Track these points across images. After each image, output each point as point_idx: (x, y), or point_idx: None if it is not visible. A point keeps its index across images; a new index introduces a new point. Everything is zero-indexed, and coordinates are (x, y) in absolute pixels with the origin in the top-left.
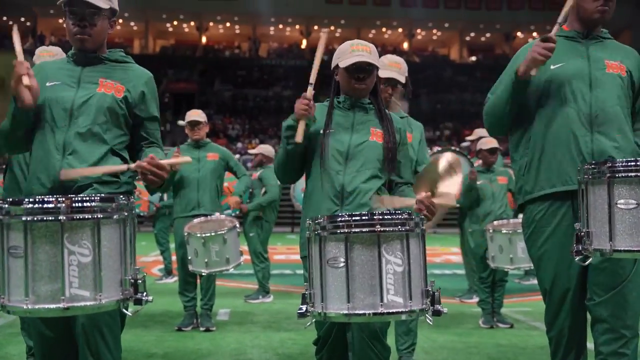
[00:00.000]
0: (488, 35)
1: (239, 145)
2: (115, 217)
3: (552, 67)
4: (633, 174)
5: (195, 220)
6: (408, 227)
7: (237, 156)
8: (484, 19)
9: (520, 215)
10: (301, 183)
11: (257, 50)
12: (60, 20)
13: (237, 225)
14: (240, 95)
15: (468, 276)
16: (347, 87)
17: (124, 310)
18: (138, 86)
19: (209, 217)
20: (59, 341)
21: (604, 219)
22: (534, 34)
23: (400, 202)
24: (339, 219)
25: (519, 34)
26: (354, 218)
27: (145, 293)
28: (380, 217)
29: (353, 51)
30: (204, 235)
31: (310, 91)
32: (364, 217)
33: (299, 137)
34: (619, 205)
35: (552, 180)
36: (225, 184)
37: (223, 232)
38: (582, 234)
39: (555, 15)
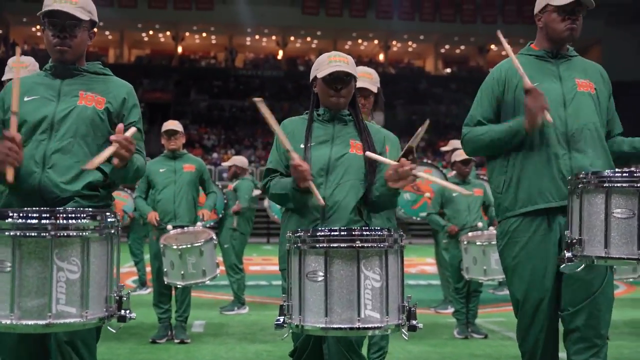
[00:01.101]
0: (463, 47)
1: (215, 155)
2: (103, 233)
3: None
4: (632, 185)
5: (172, 232)
6: (387, 243)
7: (212, 167)
8: (458, 31)
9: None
10: None
11: (234, 61)
12: (34, 29)
13: (214, 237)
14: (216, 106)
15: (443, 287)
16: (325, 99)
17: (109, 328)
18: (119, 97)
19: (185, 228)
20: (32, 355)
21: (599, 227)
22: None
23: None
24: (319, 233)
25: (492, 47)
26: (333, 233)
27: (128, 310)
28: (360, 233)
29: (330, 62)
30: (180, 247)
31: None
32: (343, 233)
33: (320, 200)
34: (615, 214)
35: (533, 197)
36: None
37: (199, 244)
38: (574, 241)
39: (526, 29)
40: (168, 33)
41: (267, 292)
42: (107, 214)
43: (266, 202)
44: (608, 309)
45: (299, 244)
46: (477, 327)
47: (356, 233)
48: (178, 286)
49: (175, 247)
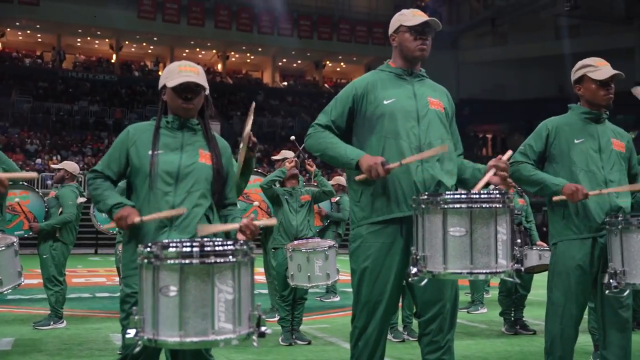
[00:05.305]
0: (299, 62)
1: (38, 161)
2: None
3: (385, 102)
4: (464, 205)
5: None
6: (239, 257)
7: (35, 173)
8: (295, 46)
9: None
10: None
11: (62, 62)
12: None
13: (15, 242)
14: (41, 108)
15: (270, 295)
16: (175, 107)
17: None
18: None
19: None
20: None
21: (439, 244)
22: (342, 63)
23: (224, 227)
24: (172, 249)
25: (328, 62)
26: (186, 249)
27: None
28: (212, 248)
29: (180, 72)
30: None
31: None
32: (196, 249)
33: (176, 212)
34: (451, 233)
35: (390, 206)
36: (17, 200)
37: None
38: (418, 257)
39: (359, 48)
40: None
41: (90, 304)
42: None
43: (91, 211)
44: (455, 313)
45: (152, 260)
46: (300, 334)
47: (209, 249)
48: None
49: None
